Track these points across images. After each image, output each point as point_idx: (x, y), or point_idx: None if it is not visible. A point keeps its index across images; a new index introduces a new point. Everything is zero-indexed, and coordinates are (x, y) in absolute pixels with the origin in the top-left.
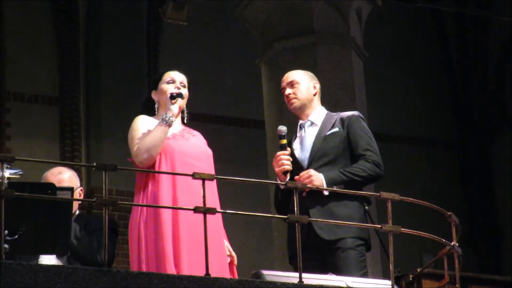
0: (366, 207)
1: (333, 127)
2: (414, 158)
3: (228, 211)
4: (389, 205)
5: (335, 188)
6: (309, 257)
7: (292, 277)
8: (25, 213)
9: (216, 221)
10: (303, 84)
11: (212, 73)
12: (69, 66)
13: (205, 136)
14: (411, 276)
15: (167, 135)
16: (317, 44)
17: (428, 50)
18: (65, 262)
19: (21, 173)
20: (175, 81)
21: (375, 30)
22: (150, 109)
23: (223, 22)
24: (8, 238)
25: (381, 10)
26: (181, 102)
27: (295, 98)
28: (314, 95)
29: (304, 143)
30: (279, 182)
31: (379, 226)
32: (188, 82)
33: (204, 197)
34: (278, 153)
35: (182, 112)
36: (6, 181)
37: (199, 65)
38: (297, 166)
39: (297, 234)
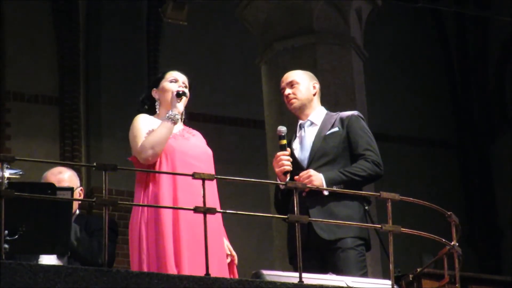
0: (366, 207)
1: (332, 127)
2: (414, 158)
3: (228, 211)
4: (389, 205)
5: (335, 188)
6: (309, 257)
7: (292, 277)
8: (25, 213)
9: (216, 221)
10: (302, 84)
11: (212, 73)
12: (69, 66)
13: (205, 136)
14: (411, 276)
15: None
16: (317, 44)
17: (428, 50)
18: (65, 262)
19: (21, 173)
20: (177, 80)
21: (375, 30)
22: (149, 107)
23: (223, 22)
24: (8, 238)
25: (381, 10)
26: (185, 101)
27: (295, 98)
28: (314, 95)
29: (304, 143)
30: (279, 182)
31: (379, 226)
32: (189, 84)
33: (204, 197)
34: (278, 153)
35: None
36: (6, 181)
37: (199, 65)
38: (297, 166)
39: (297, 234)
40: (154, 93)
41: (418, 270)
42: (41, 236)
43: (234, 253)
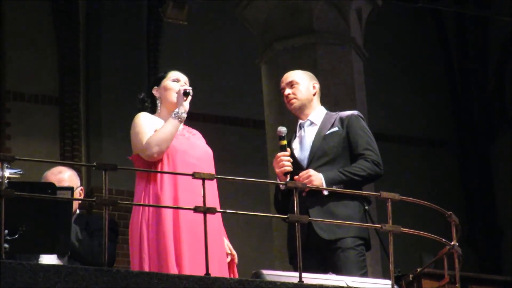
0: (366, 207)
1: (332, 126)
2: (414, 158)
3: (228, 211)
4: (389, 205)
5: (334, 188)
6: (309, 256)
7: (292, 276)
8: (25, 213)
9: (216, 221)
10: (302, 84)
11: (212, 73)
12: (69, 66)
13: (205, 136)
14: (411, 276)
15: None
16: (317, 44)
17: (428, 50)
18: (65, 263)
19: (21, 172)
20: (179, 80)
21: (375, 30)
22: (152, 105)
23: (223, 22)
24: (8, 237)
25: (381, 10)
26: (189, 100)
27: (295, 98)
28: (314, 95)
29: (304, 143)
30: (279, 182)
31: (379, 225)
32: (189, 84)
33: (204, 196)
34: (279, 154)
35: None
36: (6, 181)
37: (199, 65)
38: (297, 166)
39: (297, 234)
40: (155, 92)
41: (418, 270)
42: (41, 236)
43: (234, 252)
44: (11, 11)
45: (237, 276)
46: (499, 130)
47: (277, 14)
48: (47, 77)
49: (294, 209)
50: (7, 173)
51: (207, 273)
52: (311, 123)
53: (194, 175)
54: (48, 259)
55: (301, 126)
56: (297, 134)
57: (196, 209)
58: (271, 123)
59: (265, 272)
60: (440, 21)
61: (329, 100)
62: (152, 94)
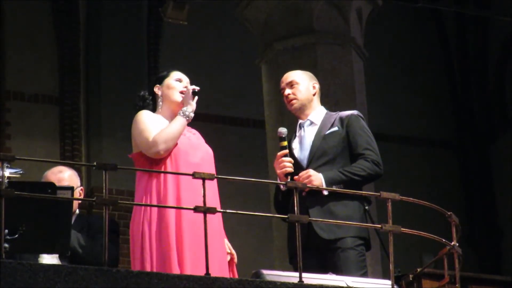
0: (366, 207)
1: (332, 126)
2: (414, 158)
3: (228, 211)
4: (389, 205)
5: (334, 188)
6: (309, 256)
7: (292, 276)
8: (25, 213)
9: (217, 221)
10: (302, 84)
11: (212, 73)
12: (69, 65)
13: (205, 136)
14: (411, 276)
15: None
16: (317, 44)
17: (428, 50)
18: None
19: (21, 172)
20: (182, 80)
21: (375, 30)
22: (153, 102)
23: (223, 22)
24: (8, 237)
25: (381, 10)
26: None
27: (295, 98)
28: (314, 95)
29: (304, 143)
30: (279, 182)
31: (379, 226)
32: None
33: (204, 196)
34: (279, 153)
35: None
36: (6, 181)
37: (199, 65)
38: (297, 166)
39: (297, 234)
40: (157, 90)
41: (418, 270)
42: (41, 236)
43: (233, 251)
44: (11, 11)
45: (236, 276)
46: (499, 130)
47: (277, 14)
48: (47, 77)
49: (294, 209)
50: (7, 172)
51: (207, 273)
52: (311, 123)
53: (194, 175)
54: (50, 260)
55: (301, 126)
56: (297, 134)
57: (196, 209)
58: (271, 123)
59: (265, 272)
60: (440, 21)
61: (329, 100)
62: (153, 92)
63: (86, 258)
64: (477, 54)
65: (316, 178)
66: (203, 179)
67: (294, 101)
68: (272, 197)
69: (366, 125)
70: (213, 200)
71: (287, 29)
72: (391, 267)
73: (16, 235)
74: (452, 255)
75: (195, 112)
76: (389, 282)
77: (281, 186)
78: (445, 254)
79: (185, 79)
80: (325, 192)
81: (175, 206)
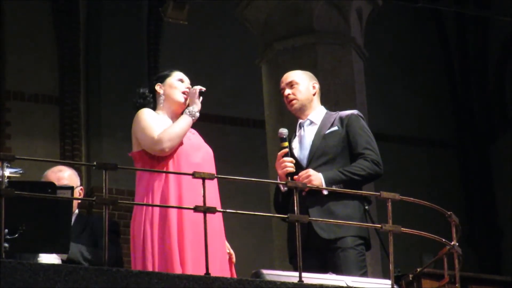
0: (366, 207)
1: (332, 126)
2: (414, 158)
3: (228, 211)
4: (389, 204)
5: (334, 188)
6: (309, 256)
7: (292, 276)
8: (25, 212)
9: (218, 220)
10: (302, 84)
11: (212, 73)
12: (69, 65)
13: (205, 135)
14: (411, 275)
15: None
16: (317, 44)
17: (428, 50)
18: None
19: (21, 172)
20: (184, 81)
21: (376, 30)
22: (153, 100)
23: (224, 22)
24: (8, 237)
25: (382, 10)
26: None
27: (295, 98)
28: (314, 95)
29: (303, 142)
30: (279, 182)
31: (379, 225)
32: None
33: (204, 196)
34: (280, 153)
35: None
36: (6, 180)
37: (199, 65)
38: (296, 165)
39: (297, 234)
40: (159, 88)
41: (418, 270)
42: (41, 235)
43: (232, 251)
44: (12, 11)
45: (234, 275)
46: (499, 130)
47: (277, 14)
48: (47, 76)
49: (294, 209)
50: (7, 172)
51: (207, 273)
52: (311, 122)
53: (195, 175)
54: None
55: (301, 126)
56: (297, 134)
57: (196, 209)
58: (271, 123)
59: (265, 271)
60: (440, 21)
61: (329, 100)
62: (154, 90)
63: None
64: (477, 54)
65: (316, 178)
66: (203, 179)
67: (294, 101)
68: (272, 197)
69: (366, 125)
70: (214, 200)
71: (287, 29)
72: (391, 267)
73: (16, 235)
74: (452, 255)
75: None
76: (389, 282)
77: (282, 188)
78: (445, 254)
79: (187, 80)
80: (325, 192)
81: (175, 206)
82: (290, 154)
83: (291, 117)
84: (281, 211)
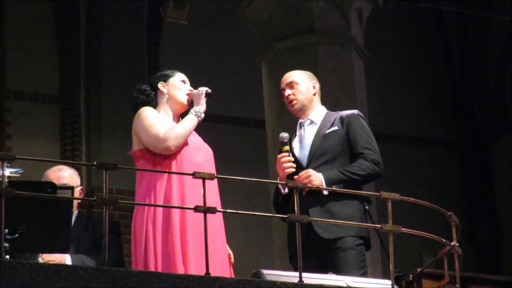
0: (366, 207)
1: (332, 125)
2: (414, 158)
3: (228, 211)
4: (389, 205)
5: (334, 188)
6: (309, 256)
7: (292, 276)
8: (26, 212)
9: (219, 220)
10: (302, 85)
11: (212, 72)
12: (70, 65)
13: (205, 135)
14: (411, 276)
15: None
16: (317, 44)
17: (428, 50)
18: None
19: (21, 171)
20: (186, 82)
21: (376, 30)
22: (153, 98)
23: (224, 22)
24: (8, 236)
25: (382, 10)
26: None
27: (295, 99)
28: (314, 94)
29: (304, 142)
30: (279, 182)
31: (380, 226)
32: None
33: (204, 196)
34: (279, 156)
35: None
36: (6, 180)
37: (199, 65)
38: (297, 165)
39: (297, 234)
40: (162, 87)
41: (418, 270)
42: (41, 235)
43: (230, 251)
44: (12, 10)
45: (233, 275)
46: (499, 130)
47: (277, 13)
48: (47, 76)
49: (294, 209)
50: (8, 172)
51: (207, 273)
52: (311, 122)
53: (195, 175)
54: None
55: (301, 125)
56: (297, 133)
57: (196, 209)
58: (271, 123)
59: (265, 271)
60: (440, 21)
61: (329, 100)
62: (156, 88)
63: None
64: (477, 54)
65: (316, 178)
66: (203, 179)
67: (294, 102)
68: (272, 197)
69: (366, 125)
70: (214, 200)
71: (287, 29)
72: (391, 267)
73: (16, 235)
74: (452, 255)
75: None
76: (389, 282)
77: (282, 190)
78: (445, 254)
79: (188, 82)
80: (325, 192)
81: (175, 206)
82: (291, 155)
83: (291, 117)
84: (281, 212)
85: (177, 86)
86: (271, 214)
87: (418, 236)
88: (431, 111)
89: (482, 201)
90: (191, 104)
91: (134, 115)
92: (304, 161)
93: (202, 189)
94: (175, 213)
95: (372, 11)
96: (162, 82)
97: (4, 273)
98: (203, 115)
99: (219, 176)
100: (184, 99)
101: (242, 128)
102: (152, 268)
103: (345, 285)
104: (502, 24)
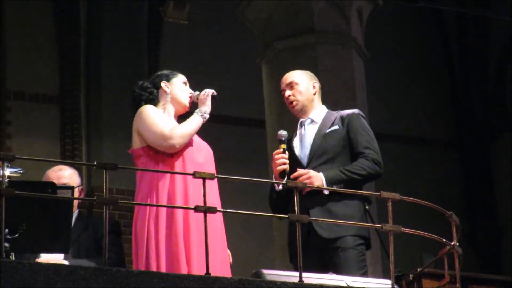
0: (367, 207)
1: (333, 125)
2: (414, 158)
3: (228, 210)
4: (389, 204)
5: (335, 188)
6: (309, 256)
7: (292, 276)
8: (26, 212)
9: (220, 220)
10: (302, 85)
11: (212, 73)
12: (70, 65)
13: (205, 135)
14: (411, 275)
15: None
16: (317, 44)
17: (428, 49)
18: None
19: (21, 171)
20: (187, 84)
21: (376, 29)
22: (153, 97)
23: (224, 21)
24: (8, 236)
25: (382, 10)
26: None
27: (296, 100)
28: (314, 94)
29: (304, 141)
30: (279, 181)
31: (380, 225)
32: None
33: (204, 196)
34: (274, 153)
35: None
36: (6, 180)
37: (199, 65)
38: (297, 164)
39: (297, 234)
40: (165, 86)
41: (419, 269)
42: (42, 235)
43: (228, 251)
44: (12, 10)
45: (231, 275)
46: (499, 130)
47: (278, 13)
48: (47, 76)
49: (295, 209)
50: (8, 172)
51: (207, 273)
52: (312, 121)
53: (195, 175)
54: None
55: (301, 124)
56: (298, 132)
57: (196, 209)
58: (271, 123)
59: (265, 271)
60: (440, 21)
61: (329, 100)
62: (158, 87)
63: None
64: (477, 54)
65: (317, 178)
66: (204, 179)
67: (295, 103)
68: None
69: (367, 124)
70: (215, 200)
71: (287, 28)
72: (391, 267)
73: (17, 235)
74: (452, 255)
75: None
76: (389, 281)
77: (276, 187)
78: (446, 254)
79: (188, 84)
80: (326, 192)
81: (175, 206)
82: (291, 152)
83: (291, 117)
84: (275, 208)
85: (180, 87)
86: (271, 214)
87: (418, 236)
88: (431, 111)
89: (482, 201)
90: (191, 106)
91: (134, 113)
92: (304, 160)
93: (206, 188)
94: (179, 213)
95: (372, 11)
96: (165, 82)
97: (4, 273)
98: (208, 117)
99: (220, 176)
100: (186, 101)
101: (242, 128)
102: (154, 268)
103: (346, 285)
104: (502, 24)
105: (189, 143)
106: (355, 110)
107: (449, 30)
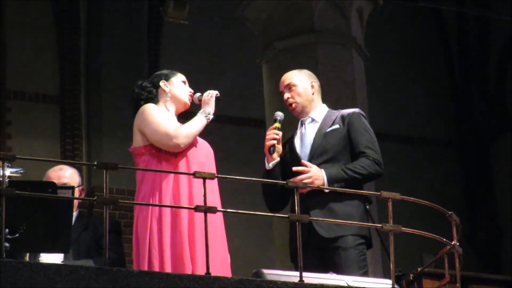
0: (367, 206)
1: (333, 124)
2: (414, 158)
3: (228, 210)
4: (389, 204)
5: (335, 186)
6: (309, 255)
7: (292, 276)
8: (26, 212)
9: (221, 220)
10: (300, 86)
11: (212, 73)
12: (70, 65)
13: (205, 135)
14: (411, 275)
15: None
16: (318, 44)
17: (429, 49)
18: None
19: (22, 171)
20: (186, 83)
21: (376, 29)
22: (153, 96)
23: (224, 21)
24: (9, 236)
25: (382, 10)
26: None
27: (295, 102)
28: (313, 94)
29: (304, 140)
30: (279, 181)
31: (380, 225)
32: None
33: (205, 195)
34: (269, 129)
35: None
36: (7, 180)
37: (199, 65)
38: (297, 163)
39: (297, 234)
40: (164, 85)
41: (419, 269)
42: (42, 235)
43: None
44: (12, 10)
45: (231, 275)
46: (499, 130)
47: (278, 13)
48: (48, 76)
49: (295, 209)
50: (8, 172)
51: (208, 273)
52: (312, 120)
53: (195, 174)
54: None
55: (302, 123)
56: (298, 131)
57: (197, 208)
58: (271, 123)
59: (265, 271)
60: (440, 20)
61: (330, 99)
62: (157, 86)
63: None
64: (477, 54)
65: (319, 178)
66: (204, 179)
67: (294, 105)
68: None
69: (367, 124)
70: (215, 199)
71: (287, 28)
72: (391, 267)
73: (17, 235)
74: (453, 255)
75: (195, 112)
76: (389, 281)
77: (266, 164)
78: (446, 254)
79: (187, 83)
80: (327, 190)
81: (175, 206)
82: (291, 151)
83: (291, 117)
84: (268, 197)
85: (180, 86)
86: (271, 214)
87: (419, 235)
88: (431, 111)
89: (482, 201)
90: (191, 105)
91: (134, 113)
92: (304, 159)
93: (208, 188)
94: (184, 212)
95: (372, 11)
96: (164, 81)
97: (4, 273)
98: (211, 117)
99: (220, 175)
100: (186, 98)
101: (242, 128)
102: (157, 267)
103: (346, 285)
104: (502, 24)
105: (192, 143)
106: (356, 109)
107: (449, 30)
